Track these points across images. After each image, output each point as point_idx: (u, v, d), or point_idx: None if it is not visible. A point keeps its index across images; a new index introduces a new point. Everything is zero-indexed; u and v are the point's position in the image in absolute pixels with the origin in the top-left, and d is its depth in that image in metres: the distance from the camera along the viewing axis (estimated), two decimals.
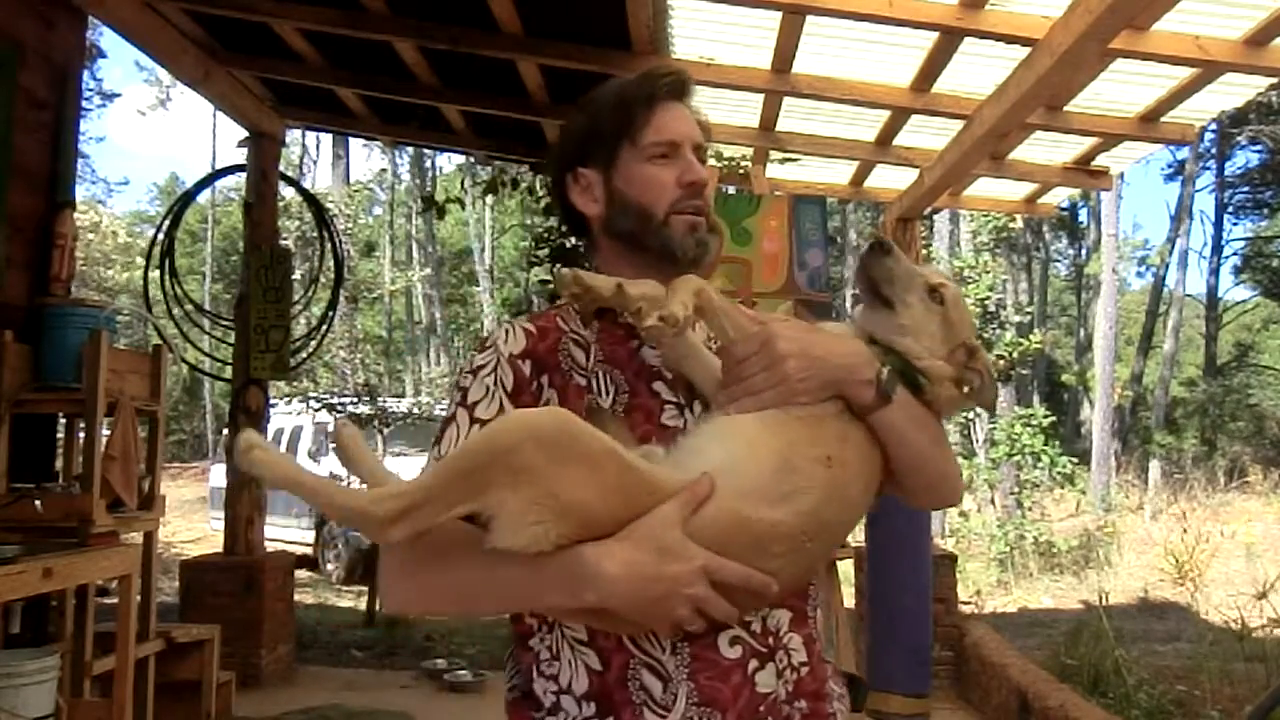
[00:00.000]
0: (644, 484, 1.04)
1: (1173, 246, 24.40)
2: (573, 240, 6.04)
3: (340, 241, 7.05)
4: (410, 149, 25.47)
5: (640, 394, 1.21)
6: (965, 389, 1.22)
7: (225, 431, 7.08)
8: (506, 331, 1.26)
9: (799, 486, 1.07)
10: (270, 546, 6.72)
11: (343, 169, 25.11)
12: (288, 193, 12.82)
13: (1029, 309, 21.49)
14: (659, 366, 1.23)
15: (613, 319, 1.25)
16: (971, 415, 11.90)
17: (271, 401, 6.36)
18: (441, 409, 12.99)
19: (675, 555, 1.02)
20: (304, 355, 6.92)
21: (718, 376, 1.18)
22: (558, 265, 6.09)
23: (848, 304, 23.39)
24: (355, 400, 10.97)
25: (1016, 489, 12.56)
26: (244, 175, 6.30)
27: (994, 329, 12.72)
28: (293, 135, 14.28)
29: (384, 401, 11.54)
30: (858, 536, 6.01)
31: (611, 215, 1.30)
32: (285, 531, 11.91)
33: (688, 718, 1.09)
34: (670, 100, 1.31)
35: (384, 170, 29.23)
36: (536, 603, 1.12)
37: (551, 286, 5.92)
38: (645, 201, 1.28)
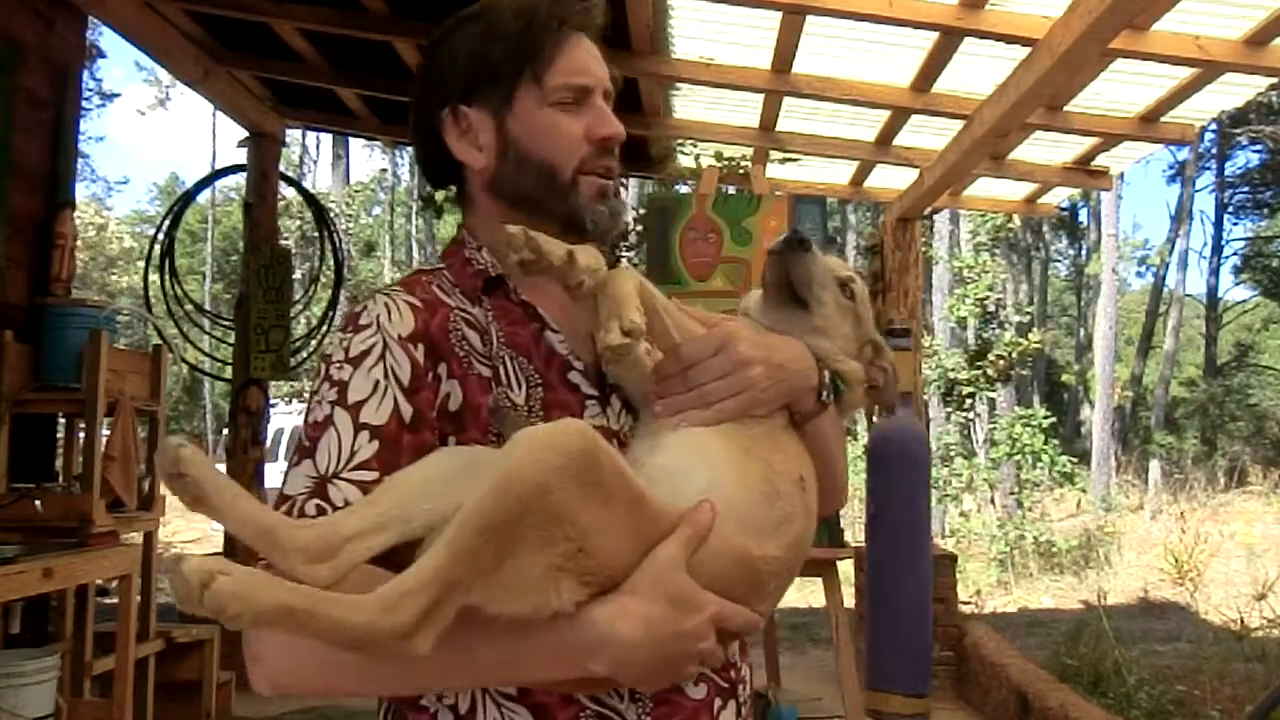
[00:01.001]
0: (649, 515, 0.85)
1: (1173, 247, 24.43)
2: None
3: (340, 241, 7.05)
4: (410, 149, 25.44)
5: (556, 387, 1.00)
6: (871, 389, 1.12)
7: (225, 431, 7.07)
8: (387, 306, 0.99)
9: (786, 514, 0.95)
10: None
11: (343, 169, 25.14)
12: (288, 193, 12.82)
13: (1029, 309, 21.49)
14: (569, 355, 1.02)
15: (505, 294, 1.05)
16: (972, 415, 11.90)
17: (271, 401, 6.36)
18: None
19: (690, 605, 0.85)
20: (304, 355, 6.92)
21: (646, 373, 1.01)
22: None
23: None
24: None
25: (1016, 489, 12.56)
26: (244, 175, 6.30)
27: (994, 329, 12.72)
28: (293, 135, 14.29)
29: None
30: (858, 536, 6.01)
31: (503, 170, 1.06)
32: None
33: None
34: (583, 32, 1.09)
35: (384, 170, 29.26)
36: (505, 680, 0.89)
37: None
38: (549, 156, 1.04)
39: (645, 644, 0.83)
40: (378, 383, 0.94)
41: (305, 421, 0.95)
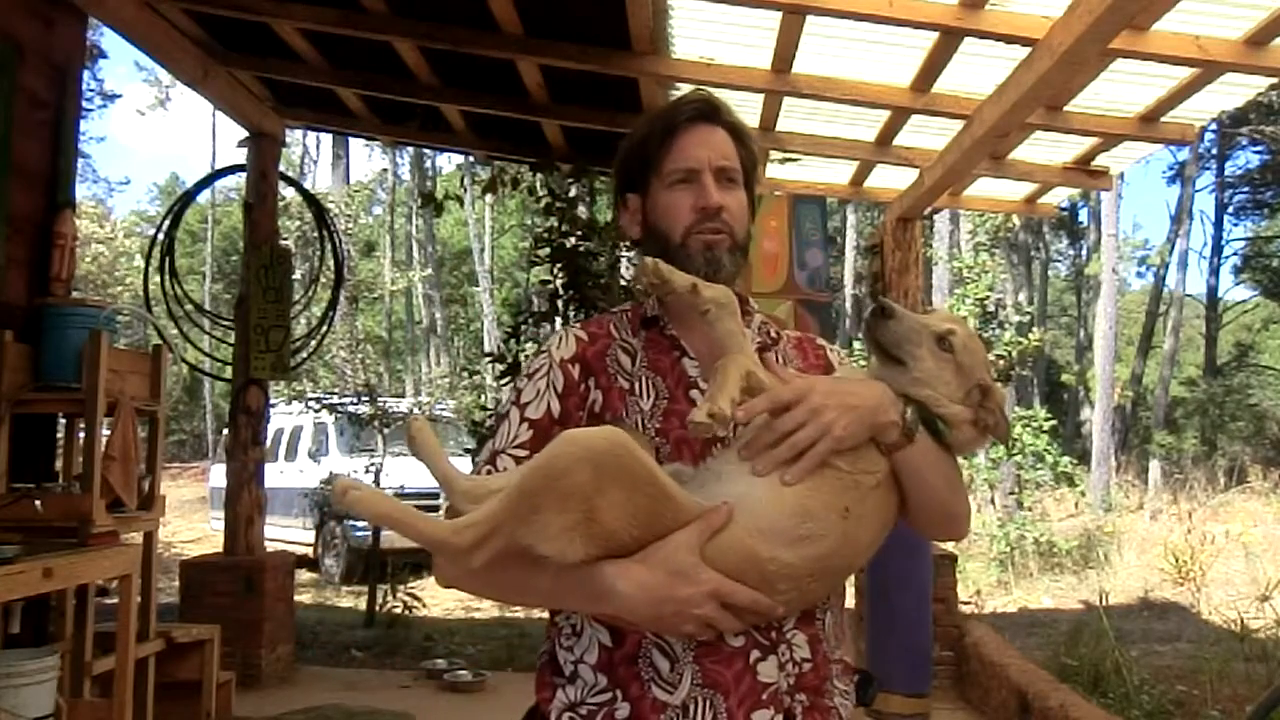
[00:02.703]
0: (672, 509, 1.11)
1: (1173, 247, 24.42)
2: (571, 240, 6.04)
3: (340, 241, 7.05)
4: (410, 149, 25.46)
5: (679, 400, 1.30)
6: (981, 428, 1.27)
7: (225, 431, 7.08)
8: (560, 338, 1.39)
9: (814, 533, 1.14)
10: (270, 546, 6.72)
11: (343, 169, 25.12)
12: (288, 193, 12.83)
13: (1029, 309, 21.48)
14: (697, 378, 1.33)
15: (659, 330, 1.38)
16: None
17: (271, 401, 6.36)
18: (441, 409, 13.22)
19: (687, 579, 1.11)
20: (304, 355, 6.91)
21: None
22: (557, 267, 6.11)
23: (846, 306, 23.42)
24: (355, 400, 10.96)
25: (1017, 489, 12.56)
26: (244, 175, 6.30)
27: (994, 329, 12.71)
28: (293, 135, 14.29)
29: (384, 401, 11.53)
30: None
31: (645, 239, 1.42)
32: (285, 531, 11.92)
33: (692, 697, 1.18)
34: (694, 124, 1.39)
35: (384, 170, 29.25)
36: (561, 604, 1.26)
37: (550, 286, 5.92)
38: (665, 227, 1.38)
39: (640, 599, 1.11)
40: (539, 391, 1.33)
41: (498, 415, 1.36)
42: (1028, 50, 3.64)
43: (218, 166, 16.15)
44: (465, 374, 18.30)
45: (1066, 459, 12.06)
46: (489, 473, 1.28)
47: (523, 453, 1.28)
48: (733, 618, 1.13)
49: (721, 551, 1.11)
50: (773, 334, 1.45)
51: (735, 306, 1.22)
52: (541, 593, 1.20)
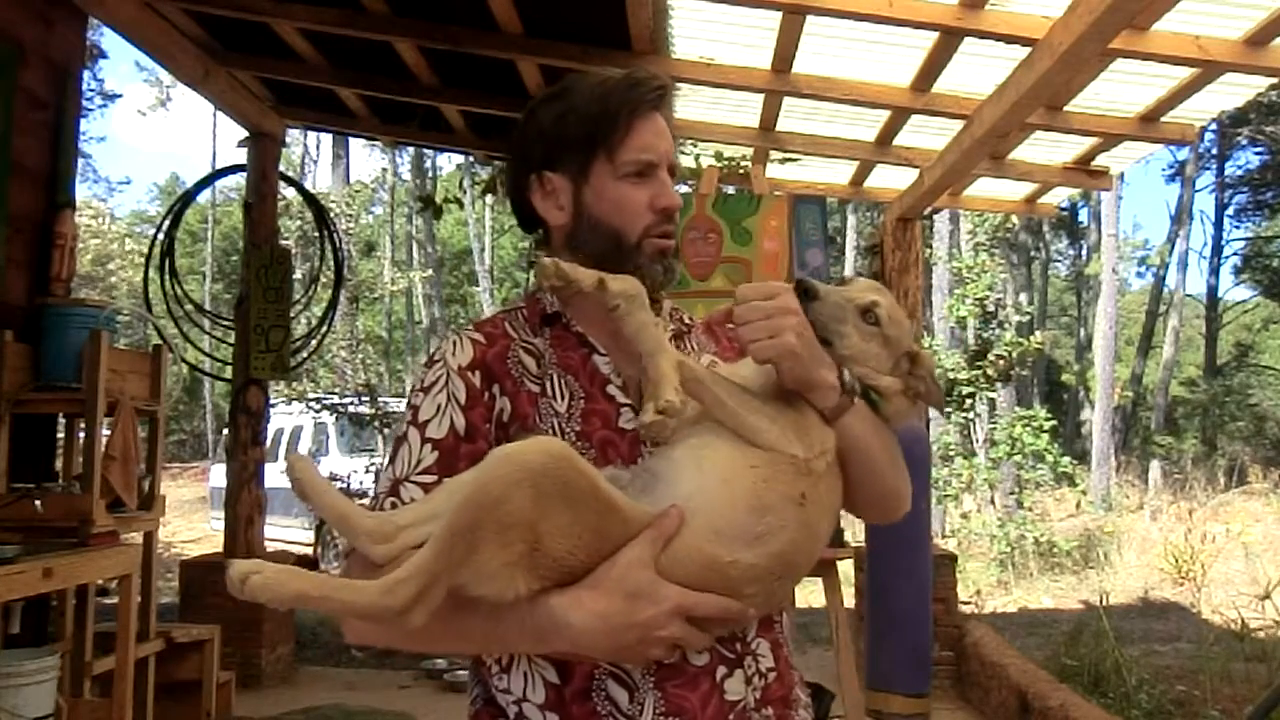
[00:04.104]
0: (619, 521, 1.01)
1: (1173, 247, 24.43)
2: None
3: (340, 241, 7.05)
4: (410, 149, 25.47)
5: (596, 399, 1.19)
6: (913, 396, 1.22)
7: (225, 431, 7.08)
8: (454, 344, 1.22)
9: (773, 527, 1.05)
10: (270, 546, 6.73)
11: (343, 169, 25.12)
12: (288, 193, 12.83)
13: (1029, 309, 21.48)
14: (610, 372, 1.21)
15: (563, 327, 1.25)
16: (972, 415, 11.90)
17: (271, 402, 6.36)
18: None
19: (647, 599, 1.00)
20: (304, 355, 6.91)
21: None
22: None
23: None
24: (355, 400, 10.97)
25: (1017, 489, 12.55)
26: (244, 175, 6.30)
27: (994, 329, 12.71)
28: (293, 135, 14.29)
29: (384, 401, 11.53)
30: (858, 536, 6.01)
31: (578, 230, 1.24)
32: (285, 531, 11.91)
33: None
34: (653, 112, 1.24)
35: (384, 170, 29.24)
36: (501, 648, 1.10)
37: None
38: (618, 224, 1.22)
39: (598, 631, 0.99)
40: (440, 406, 1.17)
41: (394, 436, 1.21)
42: (1028, 50, 3.64)
43: (218, 166, 16.16)
44: None
45: (1066, 459, 12.05)
46: (391, 504, 1.12)
47: (429, 479, 1.12)
48: (700, 633, 1.04)
49: (678, 561, 1.01)
50: (686, 320, 1.35)
51: (644, 298, 1.11)
52: (475, 638, 1.06)
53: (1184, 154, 22.77)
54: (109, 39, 23.44)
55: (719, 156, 6.28)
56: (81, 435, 3.71)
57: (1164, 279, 25.58)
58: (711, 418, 1.10)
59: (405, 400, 1.24)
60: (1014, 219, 14.34)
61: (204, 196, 23.26)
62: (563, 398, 1.18)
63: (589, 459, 1.07)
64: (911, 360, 1.21)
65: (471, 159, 12.37)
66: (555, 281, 1.09)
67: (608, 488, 1.01)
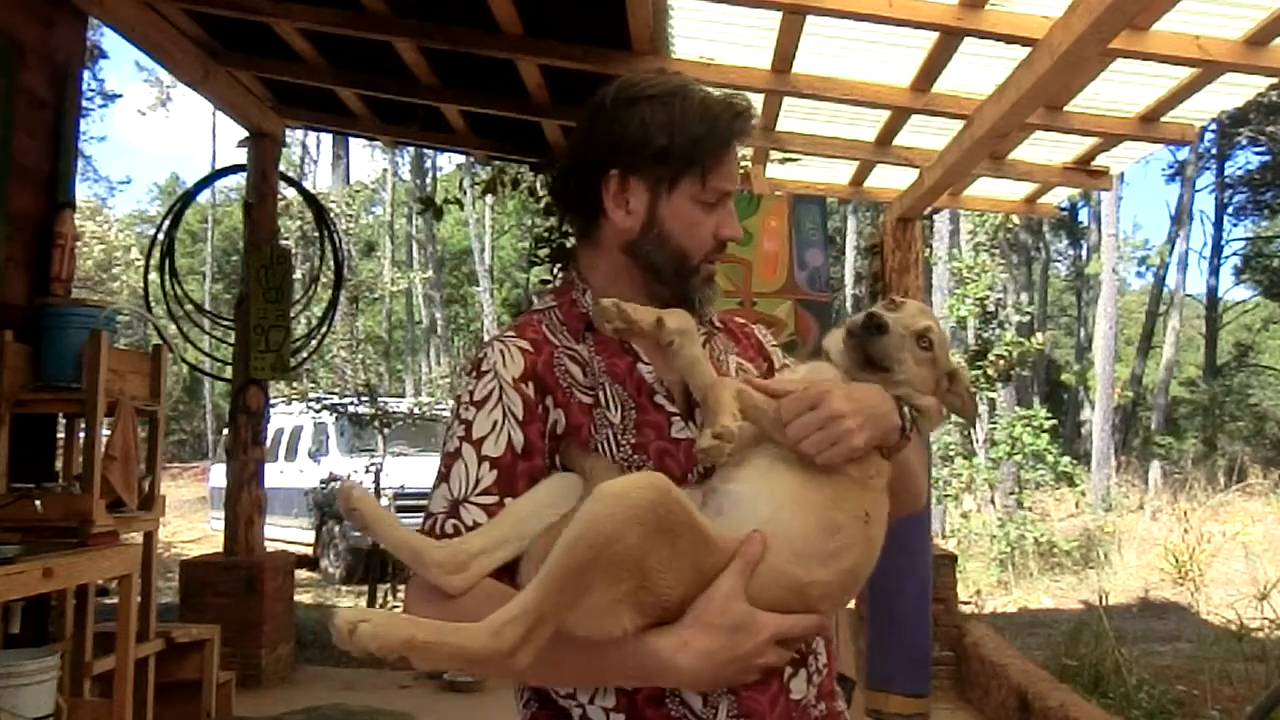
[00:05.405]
0: (712, 553, 1.02)
1: (1173, 247, 24.44)
2: (572, 240, 6.03)
3: (340, 241, 7.05)
4: (410, 149, 25.47)
5: (646, 409, 1.18)
6: (947, 409, 1.28)
7: (225, 431, 7.08)
8: (502, 354, 1.18)
9: (843, 545, 1.10)
10: (270, 546, 6.72)
11: (343, 169, 25.14)
12: (288, 193, 12.82)
13: (1029, 309, 21.47)
14: (654, 381, 1.20)
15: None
16: None
17: (271, 402, 6.36)
18: (441, 408, 12.92)
19: (746, 631, 1.01)
20: (304, 355, 6.91)
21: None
22: (556, 268, 6.10)
23: (846, 305, 23.41)
24: (355, 400, 10.97)
25: (1017, 489, 12.55)
26: (244, 175, 6.30)
27: (994, 329, 12.71)
28: (293, 135, 14.29)
29: (384, 402, 11.54)
30: None
31: (643, 238, 1.22)
32: (285, 531, 11.92)
33: None
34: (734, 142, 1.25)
35: (384, 170, 29.25)
36: (595, 683, 1.09)
37: (550, 286, 5.90)
38: (686, 244, 1.22)
39: (705, 670, 1.00)
40: (496, 422, 1.14)
41: (442, 450, 1.17)
42: (1028, 50, 3.63)
43: (218, 166, 16.16)
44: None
45: (1066, 459, 12.05)
46: (454, 526, 1.10)
47: (489, 499, 1.11)
48: (787, 651, 1.08)
49: (763, 586, 1.04)
50: (716, 322, 1.34)
51: (695, 331, 1.14)
52: (568, 674, 1.06)
53: (1184, 154, 22.79)
54: (109, 39, 23.46)
55: None
56: (81, 435, 3.70)
57: (1164, 279, 25.61)
58: (770, 440, 1.13)
59: (451, 412, 1.20)
60: (1014, 219, 14.33)
61: (204, 196, 23.27)
62: (615, 408, 1.17)
63: (647, 469, 1.11)
64: (951, 379, 1.27)
65: (471, 159, 12.37)
66: (618, 324, 1.10)
67: (701, 518, 1.02)
